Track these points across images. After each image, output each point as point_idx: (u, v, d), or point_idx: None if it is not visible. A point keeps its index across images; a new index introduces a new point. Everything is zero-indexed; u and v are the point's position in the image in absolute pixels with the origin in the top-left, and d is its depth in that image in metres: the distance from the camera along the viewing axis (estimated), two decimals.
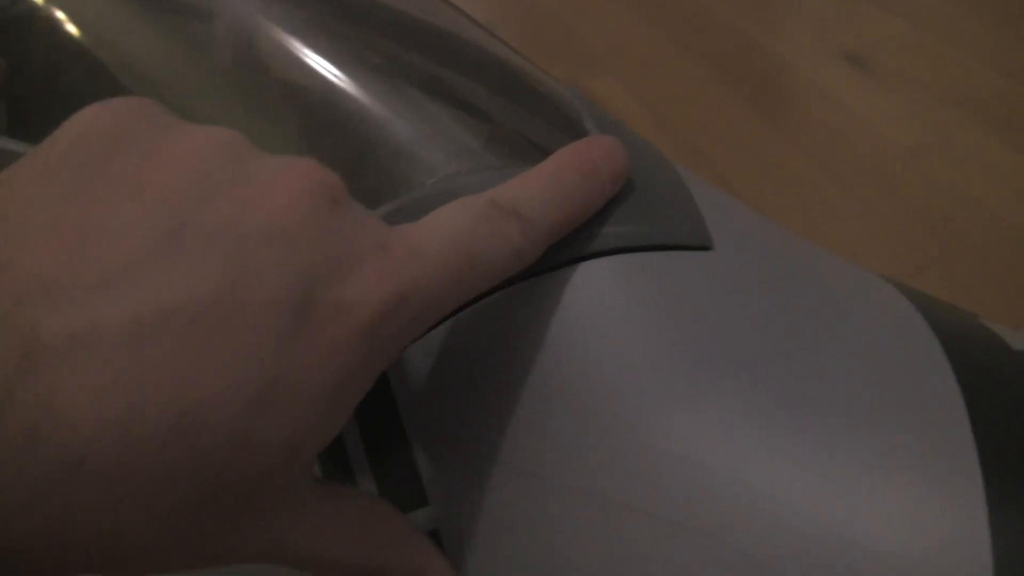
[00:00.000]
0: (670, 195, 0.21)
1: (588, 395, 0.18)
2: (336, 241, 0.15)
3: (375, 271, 0.15)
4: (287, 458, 0.15)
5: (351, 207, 0.16)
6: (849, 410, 0.18)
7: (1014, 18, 0.73)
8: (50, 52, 0.23)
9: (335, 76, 0.21)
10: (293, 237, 0.15)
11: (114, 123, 0.15)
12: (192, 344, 0.13)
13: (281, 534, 0.16)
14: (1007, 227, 0.55)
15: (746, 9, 0.76)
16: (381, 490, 0.19)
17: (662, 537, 0.17)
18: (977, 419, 0.18)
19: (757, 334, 0.19)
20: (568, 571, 0.18)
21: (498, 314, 0.19)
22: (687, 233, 0.20)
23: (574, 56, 0.71)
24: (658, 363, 0.18)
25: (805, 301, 0.20)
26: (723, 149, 0.61)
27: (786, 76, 0.69)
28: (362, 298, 0.15)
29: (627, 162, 0.20)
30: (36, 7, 0.23)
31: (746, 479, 0.17)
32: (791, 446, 0.17)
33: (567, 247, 0.19)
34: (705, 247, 0.20)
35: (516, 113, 0.22)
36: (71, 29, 0.23)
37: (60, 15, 0.23)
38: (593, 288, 0.19)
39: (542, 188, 0.18)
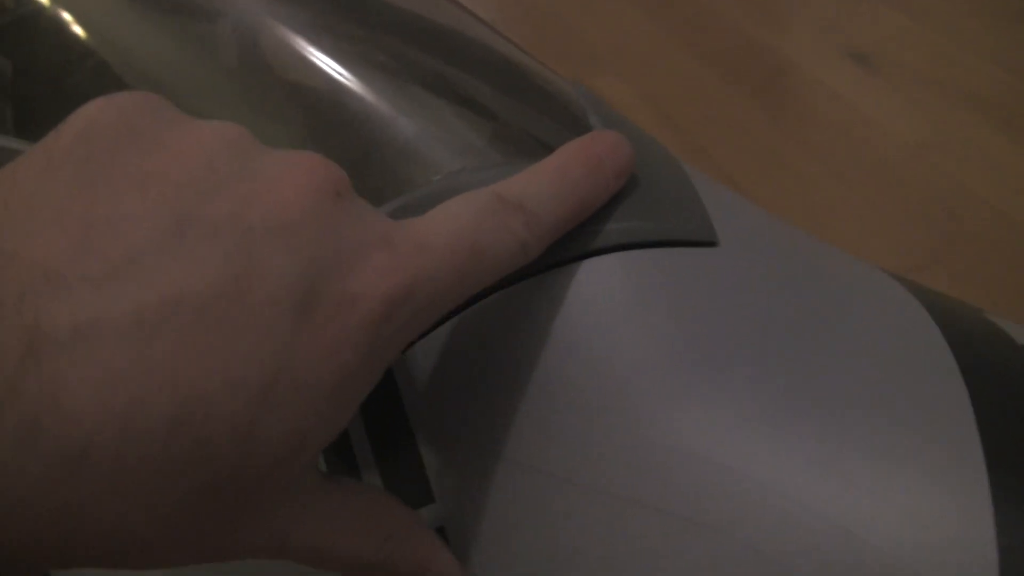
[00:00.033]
0: (675, 191, 0.21)
1: (595, 391, 0.18)
2: (341, 235, 0.15)
3: (380, 265, 0.15)
4: (291, 453, 0.14)
5: (355, 202, 0.16)
6: (855, 405, 0.18)
7: (1019, 15, 0.73)
8: (55, 53, 0.23)
9: (340, 75, 0.21)
10: (297, 231, 0.15)
11: (119, 117, 0.15)
12: (195, 338, 0.13)
13: (285, 529, 0.16)
14: (1012, 224, 0.55)
15: (750, 7, 0.76)
16: (387, 487, 0.19)
17: (671, 533, 0.17)
18: (982, 414, 0.18)
19: (762, 330, 0.19)
20: (575, 567, 0.18)
21: (504, 311, 0.19)
22: (692, 229, 0.20)
23: (576, 55, 0.71)
24: (665, 359, 0.18)
25: (810, 296, 0.20)
26: (727, 147, 0.61)
27: (790, 74, 0.69)
28: (367, 292, 0.15)
29: (632, 157, 0.20)
30: (42, 8, 0.23)
31: (754, 475, 0.17)
32: (799, 442, 0.17)
33: (573, 243, 0.19)
34: (710, 242, 0.20)
35: (521, 110, 0.22)
36: (76, 30, 0.23)
37: (65, 16, 0.23)
38: (599, 285, 0.19)
39: (547, 182, 0.18)
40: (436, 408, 0.19)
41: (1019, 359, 0.20)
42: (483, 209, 0.17)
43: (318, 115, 0.21)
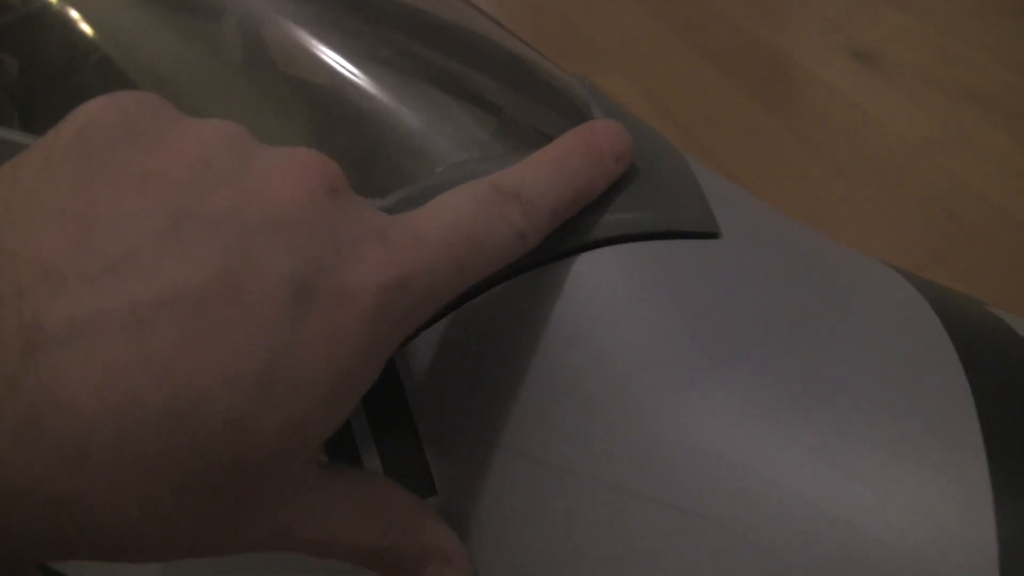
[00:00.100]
0: (677, 182, 0.21)
1: (597, 384, 0.18)
2: (336, 230, 0.15)
3: (375, 259, 0.15)
4: (289, 445, 0.15)
5: (351, 197, 0.16)
6: (856, 398, 0.18)
7: (1021, 12, 0.72)
8: (61, 50, 0.23)
9: (344, 70, 0.21)
10: (293, 227, 0.15)
11: (119, 116, 0.15)
12: (191, 332, 0.13)
13: (286, 522, 0.16)
14: (1013, 222, 0.55)
15: (752, 6, 0.76)
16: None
17: (672, 526, 0.17)
18: (983, 405, 0.18)
19: (764, 323, 0.19)
20: (577, 559, 0.18)
21: (507, 303, 0.19)
22: (694, 220, 0.20)
23: (579, 53, 0.71)
24: (667, 352, 0.18)
25: (812, 289, 0.20)
26: (729, 146, 0.61)
27: (793, 72, 0.68)
28: (363, 284, 0.15)
29: (630, 144, 0.20)
30: (47, 5, 0.23)
31: (756, 468, 0.17)
32: (801, 435, 0.17)
33: (575, 234, 0.19)
34: (712, 234, 0.20)
35: (524, 102, 0.22)
36: (83, 27, 0.23)
37: (72, 13, 0.23)
38: (602, 277, 0.19)
39: (545, 172, 0.18)
40: (438, 401, 0.19)
41: (1019, 349, 0.20)
42: (480, 200, 0.17)
43: (323, 110, 0.21)
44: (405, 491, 0.18)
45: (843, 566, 0.16)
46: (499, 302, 0.19)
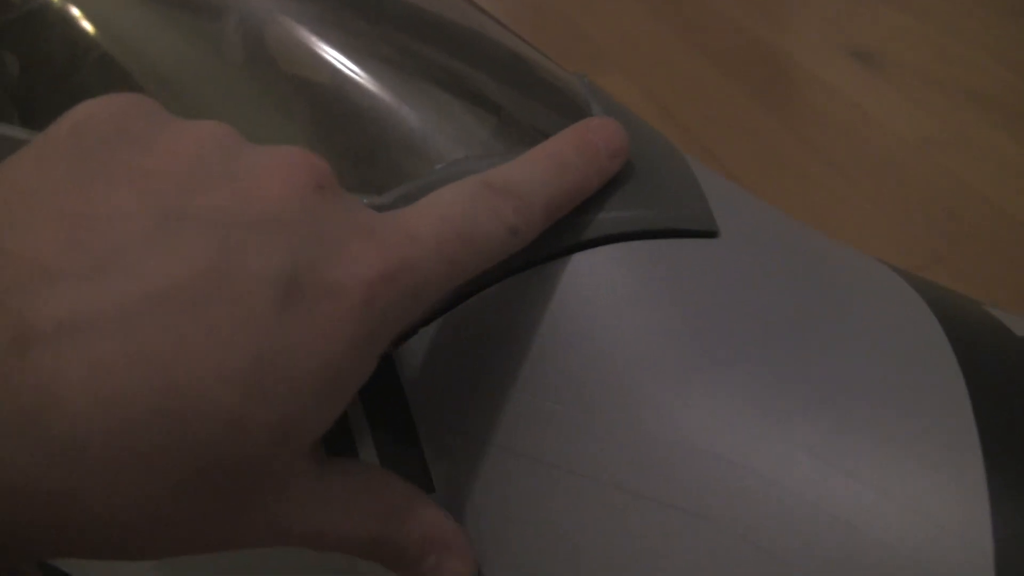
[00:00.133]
0: (676, 181, 0.21)
1: (596, 383, 0.18)
2: (323, 227, 0.15)
3: (361, 254, 0.15)
4: (282, 440, 0.15)
5: (339, 194, 0.16)
6: (855, 397, 0.18)
7: (1020, 11, 0.72)
8: (62, 48, 0.23)
9: (345, 68, 0.21)
10: (281, 223, 0.15)
11: (112, 116, 0.16)
12: (179, 328, 0.14)
13: (282, 517, 0.16)
14: (1013, 222, 0.55)
15: (752, 6, 0.76)
16: None
17: (671, 526, 0.17)
18: (979, 404, 0.18)
19: (762, 322, 0.19)
20: (575, 557, 0.18)
21: (505, 302, 0.19)
22: (693, 219, 0.20)
23: (579, 53, 0.71)
24: (666, 352, 0.18)
25: (811, 288, 0.20)
26: (729, 146, 0.61)
27: (793, 72, 0.69)
28: (350, 280, 0.15)
29: (626, 141, 0.20)
30: (49, 3, 0.23)
31: (755, 468, 0.17)
32: (799, 435, 0.17)
33: (572, 232, 0.19)
34: (711, 232, 0.20)
35: (525, 101, 0.22)
36: (83, 26, 0.23)
37: (73, 11, 0.23)
38: (600, 276, 0.19)
39: (540, 168, 0.18)
40: (438, 400, 0.19)
41: (1016, 349, 0.20)
42: (470, 196, 0.17)
43: (323, 108, 0.21)
44: (403, 481, 0.18)
45: (842, 566, 0.16)
46: (498, 300, 0.19)
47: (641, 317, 0.19)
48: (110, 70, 0.23)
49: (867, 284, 0.21)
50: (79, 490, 0.13)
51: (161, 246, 0.14)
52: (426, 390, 0.19)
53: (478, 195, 0.17)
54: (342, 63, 0.21)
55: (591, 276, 0.19)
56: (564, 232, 0.19)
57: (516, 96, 0.22)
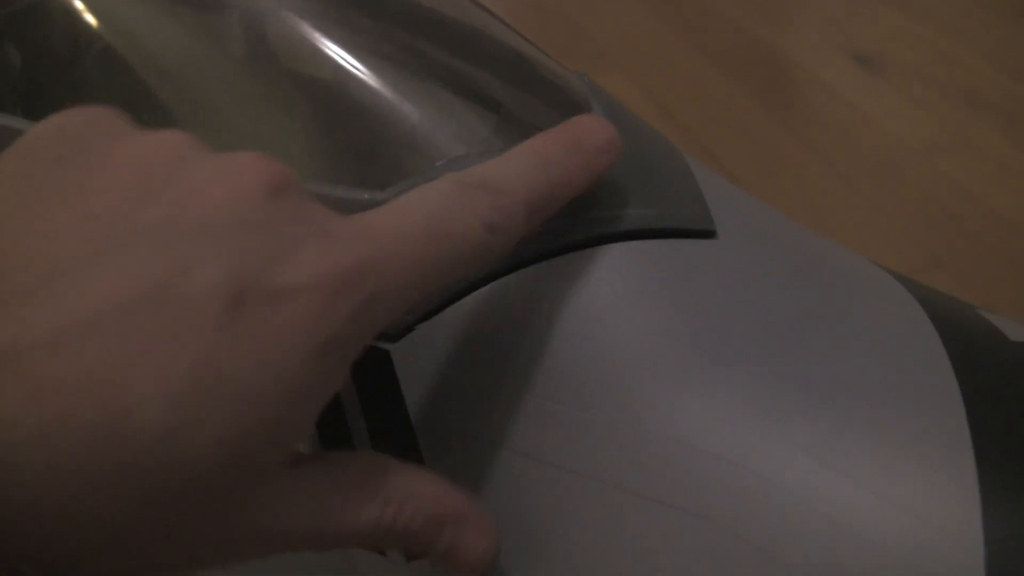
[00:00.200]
0: (674, 181, 0.21)
1: (596, 383, 0.18)
2: (275, 231, 0.15)
3: (314, 255, 0.15)
4: (236, 454, 0.14)
5: (295, 199, 0.15)
6: (852, 398, 0.18)
7: (1020, 14, 0.73)
8: (64, 42, 0.23)
9: (346, 64, 0.21)
10: (226, 231, 0.14)
11: (63, 134, 0.15)
12: (117, 347, 0.13)
13: (271, 523, 0.15)
14: (1012, 225, 0.55)
15: (752, 7, 0.76)
16: None
17: (669, 525, 0.17)
18: (973, 407, 0.18)
19: (761, 323, 0.19)
20: (574, 556, 0.18)
21: (503, 302, 0.19)
22: (691, 218, 0.20)
23: (580, 53, 0.71)
24: (665, 352, 0.18)
25: (808, 289, 0.20)
26: (729, 147, 0.61)
27: (794, 74, 0.69)
28: (298, 283, 0.14)
29: (615, 137, 0.19)
30: None
31: (753, 468, 0.17)
32: (797, 435, 0.17)
33: (569, 231, 0.19)
34: (709, 232, 0.20)
35: (525, 99, 0.22)
36: (85, 19, 0.23)
37: (75, 5, 0.23)
38: (599, 275, 0.19)
39: (522, 164, 0.18)
40: (436, 398, 0.19)
41: (1009, 354, 0.20)
42: (441, 193, 0.16)
43: (324, 104, 0.21)
44: (399, 461, 0.17)
45: (839, 565, 0.16)
46: (497, 299, 0.19)
47: (640, 317, 0.19)
48: (112, 63, 0.23)
49: (863, 285, 0.21)
50: (16, 520, 0.13)
51: (101, 266, 0.14)
52: (424, 389, 0.19)
53: (450, 192, 0.16)
54: (344, 59, 0.21)
55: (590, 275, 0.19)
56: (562, 231, 0.19)
57: (517, 94, 0.22)
